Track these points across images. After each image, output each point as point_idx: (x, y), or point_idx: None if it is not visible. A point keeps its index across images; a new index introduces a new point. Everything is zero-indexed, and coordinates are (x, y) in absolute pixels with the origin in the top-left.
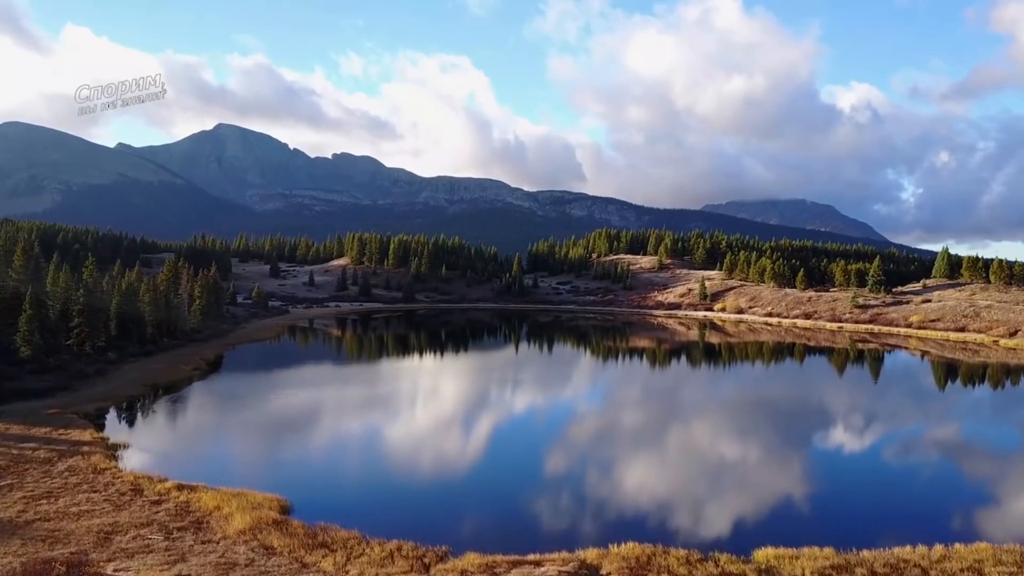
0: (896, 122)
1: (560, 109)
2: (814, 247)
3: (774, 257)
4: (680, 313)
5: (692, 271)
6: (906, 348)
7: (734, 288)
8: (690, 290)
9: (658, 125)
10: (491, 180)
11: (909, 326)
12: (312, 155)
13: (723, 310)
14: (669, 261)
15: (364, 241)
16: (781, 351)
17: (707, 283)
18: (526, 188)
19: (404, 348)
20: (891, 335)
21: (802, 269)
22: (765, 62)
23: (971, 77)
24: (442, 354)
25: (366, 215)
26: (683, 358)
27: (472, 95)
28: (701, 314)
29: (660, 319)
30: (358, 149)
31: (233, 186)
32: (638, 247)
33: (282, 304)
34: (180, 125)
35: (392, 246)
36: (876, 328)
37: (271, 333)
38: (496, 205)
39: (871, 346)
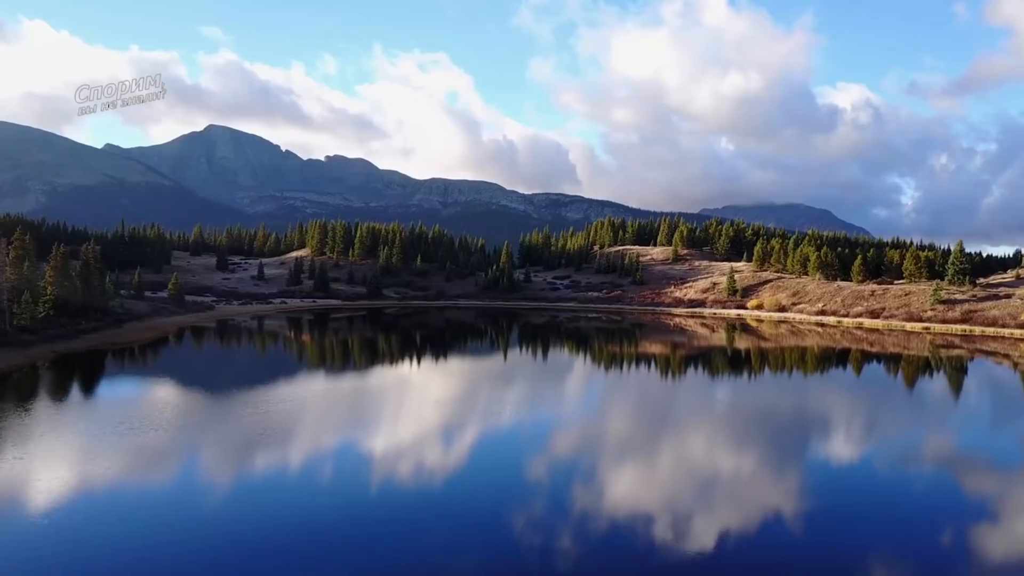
0: (894, 123)
1: (549, 110)
2: (847, 238)
3: (818, 244)
4: (706, 312)
5: (714, 262)
6: (1006, 356)
7: (770, 281)
8: (715, 284)
9: (650, 126)
10: (486, 182)
11: (1022, 326)
12: (304, 157)
13: (759, 308)
14: (686, 252)
15: (326, 229)
16: (829, 358)
17: (736, 276)
18: (521, 191)
19: (359, 357)
20: (997, 338)
21: (859, 257)
22: (757, 60)
23: (969, 74)
24: (415, 361)
25: (358, 217)
26: (700, 368)
27: (456, 94)
28: (733, 312)
29: (679, 319)
30: (342, 148)
31: (223, 188)
32: (646, 237)
33: (214, 300)
34: (155, 124)
35: (359, 234)
36: (973, 329)
37: (155, 335)
38: (491, 207)
39: (956, 352)
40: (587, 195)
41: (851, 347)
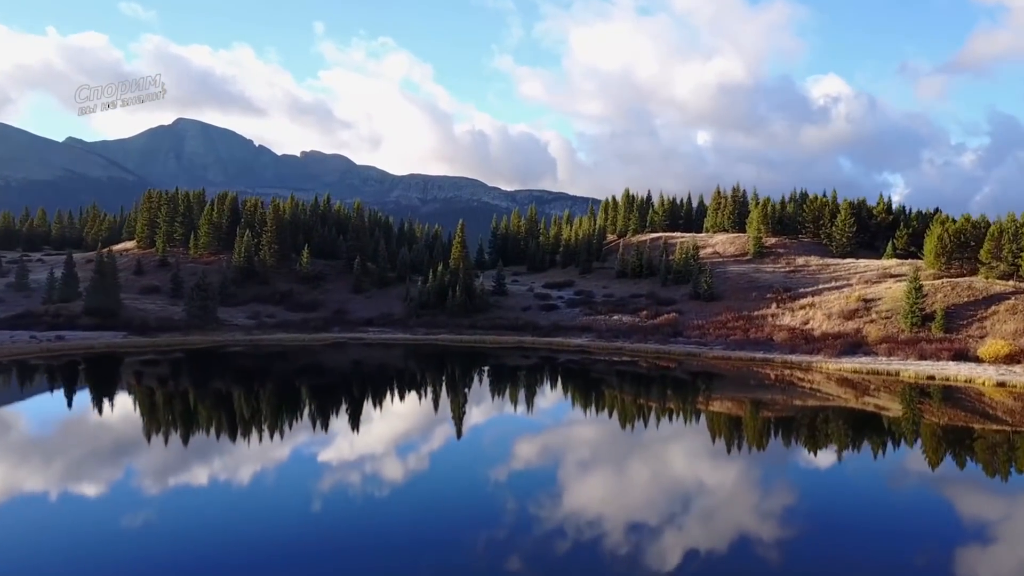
0: (883, 116)
1: (516, 102)
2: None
3: None
4: (880, 368)
5: (829, 260)
6: None
7: (1003, 299)
8: (865, 302)
9: (625, 119)
10: (466, 178)
11: None
12: (279, 152)
13: (1017, 359)
14: (773, 241)
15: (158, 204)
16: None
17: (915, 286)
18: (503, 187)
19: None
20: None
21: None
22: (733, 43)
23: (963, 53)
24: None
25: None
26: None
27: (418, 85)
28: (961, 374)
29: (817, 381)
30: (306, 138)
31: (192, 183)
32: (681, 221)
33: None
34: (99, 114)
35: (207, 212)
36: None
37: None
38: (472, 204)
39: None
40: (571, 192)
41: None
